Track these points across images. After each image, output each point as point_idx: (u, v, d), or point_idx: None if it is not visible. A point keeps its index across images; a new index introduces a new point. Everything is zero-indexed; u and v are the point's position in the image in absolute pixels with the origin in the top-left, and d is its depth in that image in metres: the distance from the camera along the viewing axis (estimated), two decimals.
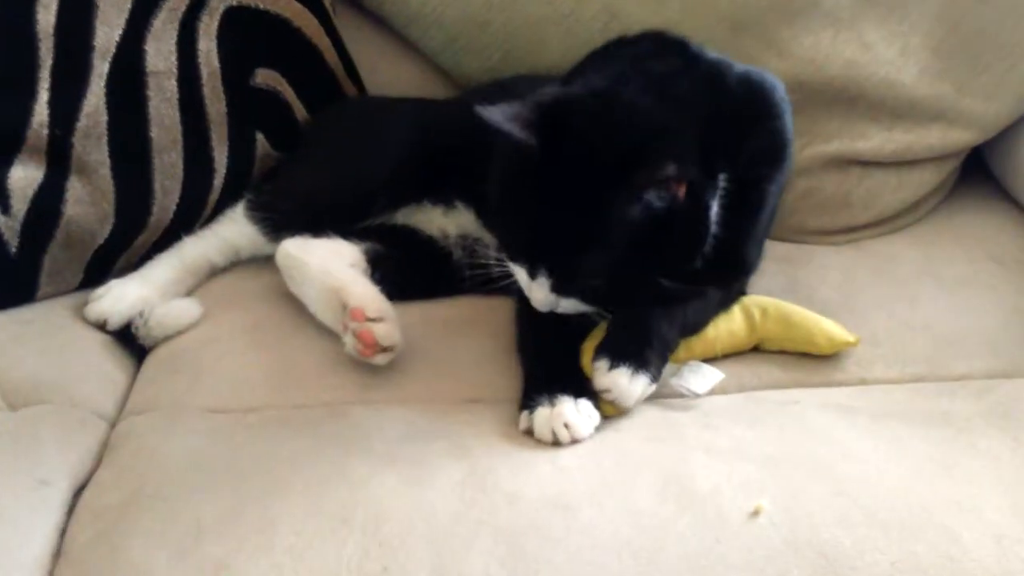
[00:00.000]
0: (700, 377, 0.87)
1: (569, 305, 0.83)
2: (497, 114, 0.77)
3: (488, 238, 1.01)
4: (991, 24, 1.15)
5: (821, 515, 0.71)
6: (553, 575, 0.66)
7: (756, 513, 0.71)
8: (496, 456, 0.77)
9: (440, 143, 1.03)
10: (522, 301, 0.87)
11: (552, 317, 0.85)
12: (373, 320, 0.86)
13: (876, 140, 1.15)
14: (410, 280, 0.99)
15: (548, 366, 0.86)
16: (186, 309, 0.97)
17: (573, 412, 0.79)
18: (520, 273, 0.84)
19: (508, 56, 1.17)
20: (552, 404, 0.80)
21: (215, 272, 1.04)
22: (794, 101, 1.13)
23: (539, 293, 0.82)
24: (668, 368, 0.87)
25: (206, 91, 1.05)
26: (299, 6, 1.11)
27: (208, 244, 1.04)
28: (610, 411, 0.83)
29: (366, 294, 0.89)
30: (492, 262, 0.90)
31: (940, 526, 0.70)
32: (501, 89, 1.13)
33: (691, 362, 0.88)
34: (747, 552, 0.68)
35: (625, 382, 0.80)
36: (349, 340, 0.87)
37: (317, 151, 1.10)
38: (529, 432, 0.80)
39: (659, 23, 0.98)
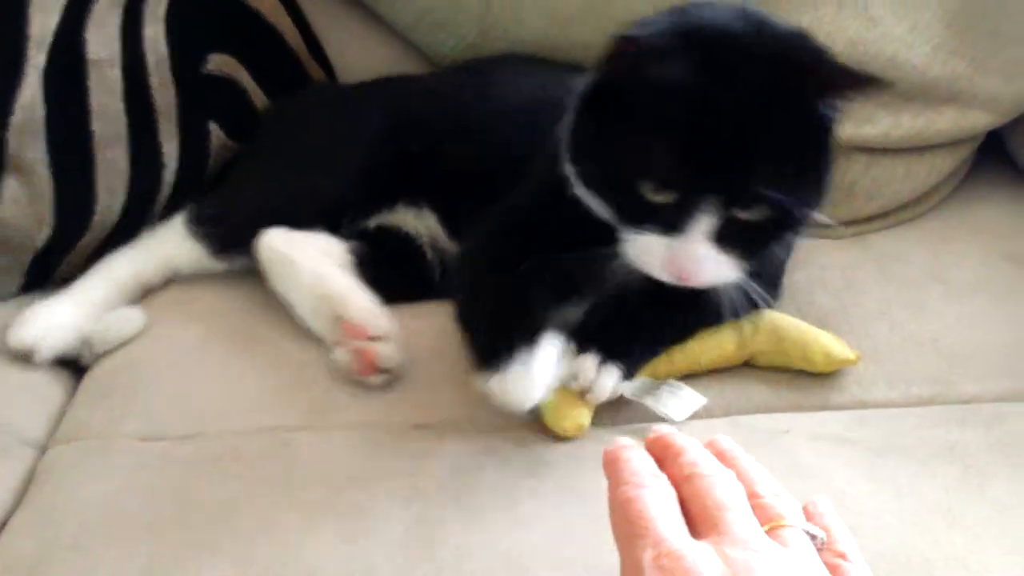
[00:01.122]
0: (679, 401, 0.79)
1: (714, 268, 0.70)
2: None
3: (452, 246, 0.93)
4: None
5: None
6: None
7: None
8: (447, 502, 0.69)
9: (414, 133, 0.95)
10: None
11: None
12: (375, 339, 0.79)
13: (883, 125, 1.05)
14: (391, 282, 0.90)
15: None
16: (128, 319, 0.89)
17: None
18: (648, 241, 0.71)
19: (485, 36, 1.08)
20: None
21: (151, 291, 0.95)
22: None
23: (694, 244, 0.69)
24: (644, 383, 0.80)
25: (153, 80, 0.97)
26: None
27: (142, 263, 0.94)
28: (570, 428, 0.76)
29: (367, 309, 0.82)
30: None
31: None
32: (481, 69, 1.06)
33: (671, 382, 0.81)
34: None
35: (594, 369, 0.74)
36: (342, 356, 0.80)
37: (272, 151, 1.01)
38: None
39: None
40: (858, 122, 1.05)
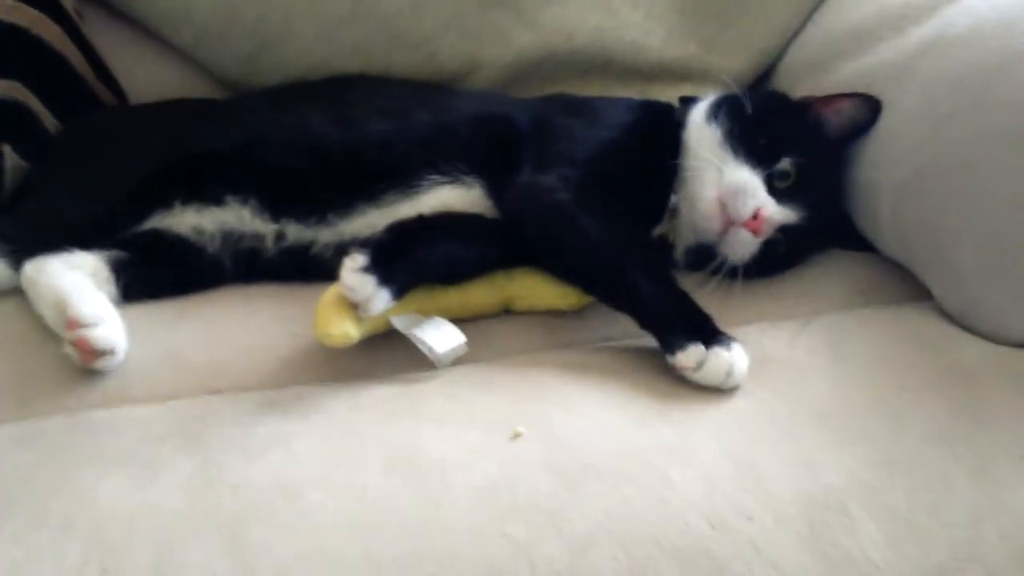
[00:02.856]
0: (442, 334, 0.88)
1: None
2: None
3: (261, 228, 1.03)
4: None
5: (541, 476, 0.73)
6: (275, 560, 0.67)
7: (517, 436, 0.76)
8: (229, 448, 0.77)
9: (201, 145, 1.04)
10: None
11: None
12: (87, 326, 0.85)
13: None
14: (159, 280, 1.00)
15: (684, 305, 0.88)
16: None
17: (743, 358, 0.83)
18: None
19: (263, 47, 1.17)
20: (727, 347, 0.83)
21: None
22: (548, 72, 1.18)
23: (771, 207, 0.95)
24: (410, 318, 0.89)
25: None
26: (36, 13, 1.09)
27: None
28: (337, 337, 0.84)
29: (81, 301, 0.88)
30: None
31: (654, 470, 0.74)
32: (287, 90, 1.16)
33: (435, 317, 0.90)
34: (468, 515, 0.70)
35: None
36: (69, 350, 0.86)
37: (58, 169, 1.08)
38: (690, 368, 0.83)
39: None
40: None
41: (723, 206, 0.96)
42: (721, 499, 0.72)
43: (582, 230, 0.93)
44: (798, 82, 1.17)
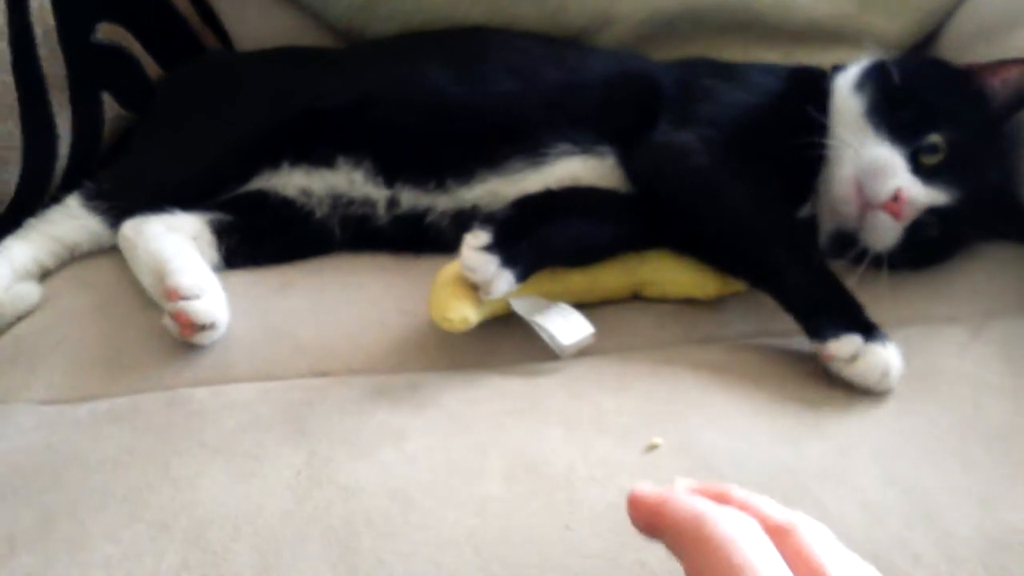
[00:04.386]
0: (568, 324, 0.80)
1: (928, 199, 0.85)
2: None
3: (373, 193, 0.97)
4: None
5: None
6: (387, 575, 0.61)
7: (653, 447, 0.68)
8: (337, 443, 0.71)
9: (312, 101, 0.97)
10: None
11: None
12: (187, 298, 0.80)
13: None
14: (263, 246, 0.94)
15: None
16: (25, 296, 0.89)
17: (898, 360, 0.75)
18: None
19: None
20: (883, 343, 0.75)
21: (45, 275, 0.95)
22: (685, 30, 1.08)
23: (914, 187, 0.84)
24: (535, 301, 0.82)
25: (42, 51, 0.97)
26: None
27: (37, 247, 0.93)
28: (456, 321, 0.78)
29: (182, 269, 0.82)
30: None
31: (807, 495, 0.65)
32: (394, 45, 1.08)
33: (562, 304, 0.82)
34: (600, 538, 0.63)
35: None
36: (168, 322, 0.80)
37: (161, 121, 1.02)
38: (844, 359, 0.75)
39: None
40: None
41: (860, 187, 0.86)
42: (884, 534, 0.63)
43: (724, 195, 0.85)
44: (968, 50, 1.04)
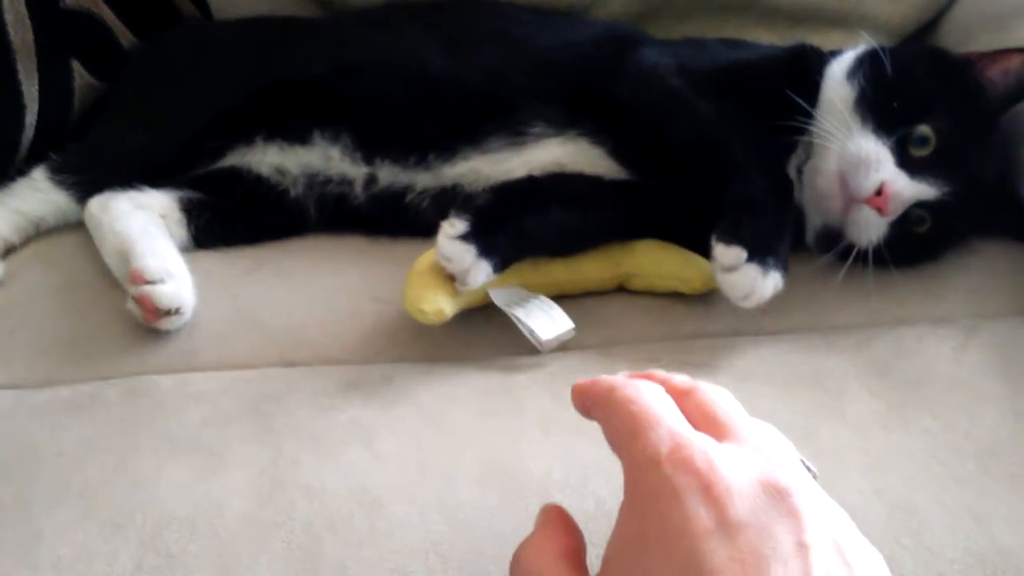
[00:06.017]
0: (549, 320, 0.77)
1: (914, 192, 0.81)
2: None
3: (350, 171, 0.93)
4: None
5: None
6: None
7: None
8: (304, 440, 0.68)
9: (290, 72, 0.93)
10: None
11: None
12: (152, 282, 0.76)
13: None
14: (234, 226, 0.91)
15: None
16: None
17: (769, 289, 0.76)
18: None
19: None
20: (764, 270, 0.76)
21: (10, 251, 0.91)
22: (682, 7, 1.04)
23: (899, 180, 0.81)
24: (516, 292, 0.79)
25: (8, 17, 0.92)
26: None
27: (1, 222, 0.90)
28: (430, 313, 0.75)
29: (147, 252, 0.79)
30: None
31: None
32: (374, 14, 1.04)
33: (542, 297, 0.79)
34: None
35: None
36: (132, 307, 0.77)
37: (132, 92, 0.98)
38: (720, 266, 0.76)
39: None
40: None
41: (843, 181, 0.82)
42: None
43: (695, 106, 0.85)
44: (970, 39, 1.01)
